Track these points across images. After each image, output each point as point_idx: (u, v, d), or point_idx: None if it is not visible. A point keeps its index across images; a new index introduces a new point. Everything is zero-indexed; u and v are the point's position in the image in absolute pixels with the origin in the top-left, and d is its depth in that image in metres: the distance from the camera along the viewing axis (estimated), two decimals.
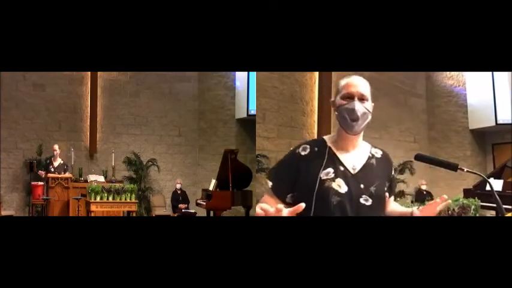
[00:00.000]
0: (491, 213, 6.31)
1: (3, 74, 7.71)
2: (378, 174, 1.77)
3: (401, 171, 8.69)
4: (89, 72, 8.48)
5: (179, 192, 8.31)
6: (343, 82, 1.77)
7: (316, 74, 7.73)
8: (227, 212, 7.38)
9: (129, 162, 8.66)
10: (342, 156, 1.74)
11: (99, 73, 8.59)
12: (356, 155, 1.77)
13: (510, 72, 8.54)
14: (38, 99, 8.19)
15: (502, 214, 1.74)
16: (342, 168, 1.71)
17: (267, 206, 1.46)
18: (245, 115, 8.67)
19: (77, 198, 6.67)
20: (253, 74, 7.97)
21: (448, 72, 9.53)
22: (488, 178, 2.70)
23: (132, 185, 6.99)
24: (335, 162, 1.71)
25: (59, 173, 7.08)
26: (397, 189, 8.54)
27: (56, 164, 7.24)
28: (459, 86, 9.47)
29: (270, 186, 1.78)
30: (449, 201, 1.86)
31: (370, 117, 1.74)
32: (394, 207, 1.93)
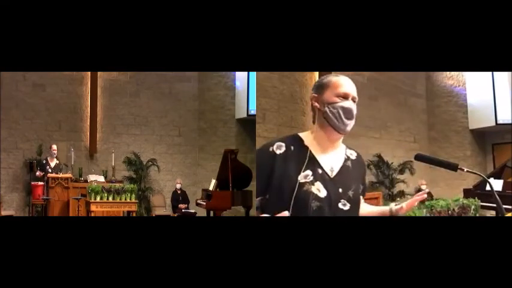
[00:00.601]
0: (491, 213, 6.31)
1: (3, 74, 7.71)
2: (354, 177, 1.71)
3: (401, 171, 8.69)
4: (89, 72, 8.48)
5: (179, 192, 8.31)
6: (334, 79, 1.68)
7: (316, 74, 7.72)
8: (227, 212, 7.38)
9: (129, 162, 8.66)
10: (320, 158, 1.65)
11: (99, 73, 8.59)
12: (334, 156, 1.69)
13: (510, 72, 8.54)
14: (38, 99, 8.19)
15: (502, 214, 1.74)
16: (320, 171, 1.62)
17: None
18: (245, 115, 8.67)
19: (77, 198, 6.67)
20: (253, 74, 7.97)
21: (448, 72, 9.54)
22: (488, 178, 2.71)
23: (132, 185, 6.99)
24: (314, 164, 1.63)
25: (56, 173, 7.08)
26: (397, 189, 8.57)
27: (52, 164, 7.24)
28: (459, 86, 9.47)
29: None
30: (425, 195, 1.82)
31: None
32: (367, 209, 1.87)
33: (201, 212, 7.69)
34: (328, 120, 1.64)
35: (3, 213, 7.13)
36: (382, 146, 8.74)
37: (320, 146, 1.67)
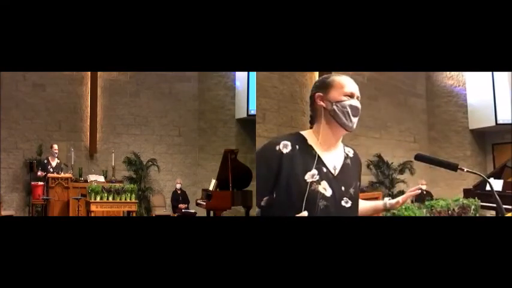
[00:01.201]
0: (491, 213, 6.31)
1: (3, 74, 7.71)
2: (353, 175, 1.75)
3: (401, 171, 8.70)
4: (89, 72, 8.48)
5: (179, 192, 8.31)
6: (339, 79, 1.71)
7: (316, 74, 7.72)
8: (227, 212, 7.38)
9: (129, 162, 8.66)
10: (324, 157, 1.67)
11: (99, 73, 8.59)
12: (335, 155, 1.72)
13: (510, 72, 8.54)
14: (38, 99, 8.19)
15: (502, 214, 1.74)
16: (324, 170, 1.65)
17: None
18: (245, 115, 8.68)
19: (77, 198, 6.67)
20: (253, 74, 7.97)
21: (448, 72, 9.54)
22: (488, 178, 2.71)
23: (132, 185, 6.99)
24: (319, 163, 1.65)
25: (58, 173, 7.09)
26: (397, 189, 8.57)
27: (53, 163, 7.25)
28: (459, 86, 9.48)
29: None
30: (418, 190, 1.87)
31: None
32: (361, 204, 1.88)
33: (201, 212, 7.69)
34: (336, 118, 1.67)
35: (3, 213, 7.13)
36: (382, 146, 8.75)
37: (324, 145, 1.69)
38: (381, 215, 2.07)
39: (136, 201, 6.87)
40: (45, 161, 7.29)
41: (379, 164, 8.60)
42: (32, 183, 7.41)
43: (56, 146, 7.32)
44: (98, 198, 6.39)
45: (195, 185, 8.97)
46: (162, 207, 8.53)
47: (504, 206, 1.76)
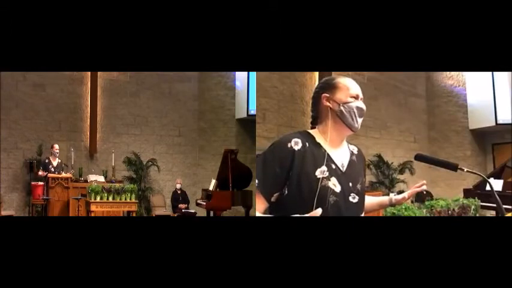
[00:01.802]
0: (491, 213, 6.30)
1: (3, 74, 7.70)
2: (359, 171, 1.80)
3: (401, 171, 8.69)
4: (89, 72, 8.47)
5: (179, 192, 8.31)
6: (343, 81, 1.77)
7: (316, 74, 7.73)
8: (227, 212, 7.38)
9: (129, 162, 8.65)
10: (332, 154, 1.74)
11: (99, 73, 8.58)
12: (342, 152, 1.78)
13: (510, 72, 8.54)
14: (38, 99, 8.18)
15: (502, 214, 1.74)
16: (333, 167, 1.71)
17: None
18: (245, 115, 8.67)
19: (77, 198, 6.67)
20: (253, 74, 7.97)
21: (448, 72, 9.54)
22: (488, 178, 2.70)
23: (132, 185, 6.98)
24: (328, 160, 1.70)
25: (59, 173, 7.10)
26: (397, 189, 8.56)
27: (55, 163, 7.26)
28: (459, 86, 9.47)
29: (257, 184, 1.70)
30: (424, 186, 1.93)
31: None
32: (367, 199, 1.92)
33: (201, 212, 7.69)
34: (343, 119, 1.73)
35: (3, 213, 7.13)
36: (382, 146, 8.75)
37: (331, 143, 1.75)
38: (381, 213, 2.08)
39: (136, 201, 6.87)
40: (47, 161, 7.30)
41: (379, 164, 8.60)
42: (32, 183, 7.41)
43: (57, 146, 7.33)
44: (98, 198, 6.38)
45: (195, 185, 8.97)
46: (162, 207, 8.52)
47: (504, 206, 1.76)
